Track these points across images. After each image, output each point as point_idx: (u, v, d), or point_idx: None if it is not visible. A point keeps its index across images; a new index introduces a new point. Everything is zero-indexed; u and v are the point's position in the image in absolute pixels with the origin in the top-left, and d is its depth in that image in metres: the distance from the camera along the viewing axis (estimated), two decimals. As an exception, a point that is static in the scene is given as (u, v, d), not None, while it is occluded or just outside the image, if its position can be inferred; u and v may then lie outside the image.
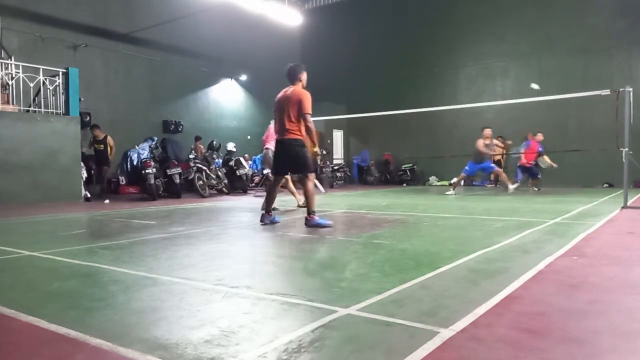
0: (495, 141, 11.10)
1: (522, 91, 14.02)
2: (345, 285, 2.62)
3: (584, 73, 13.60)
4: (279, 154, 5.32)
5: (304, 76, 5.30)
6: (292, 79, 5.26)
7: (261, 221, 5.37)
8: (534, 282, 2.63)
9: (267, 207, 5.42)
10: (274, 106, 5.38)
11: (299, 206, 7.18)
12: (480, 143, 10.71)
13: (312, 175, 5.27)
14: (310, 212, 5.10)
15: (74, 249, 3.90)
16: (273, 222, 5.37)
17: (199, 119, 14.94)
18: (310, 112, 5.11)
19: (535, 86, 12.15)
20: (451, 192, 10.80)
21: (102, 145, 10.57)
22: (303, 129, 5.16)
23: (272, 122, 5.80)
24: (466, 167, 11.04)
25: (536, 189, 11.69)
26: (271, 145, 6.31)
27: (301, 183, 5.38)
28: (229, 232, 4.96)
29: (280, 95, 5.31)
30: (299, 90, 5.19)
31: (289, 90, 5.24)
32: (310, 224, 5.03)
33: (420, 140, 16.33)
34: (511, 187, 10.97)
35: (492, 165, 11.32)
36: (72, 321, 2.00)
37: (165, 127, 13.71)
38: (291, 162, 5.27)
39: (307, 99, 5.10)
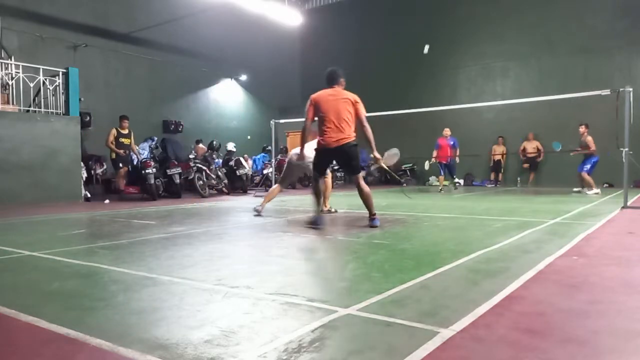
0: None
1: (522, 91, 14.02)
2: (345, 285, 2.62)
3: (584, 73, 13.58)
4: (333, 156, 5.18)
5: (344, 81, 5.24)
6: (333, 81, 5.17)
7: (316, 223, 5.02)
8: (534, 282, 2.63)
9: (318, 208, 5.23)
10: (319, 107, 5.09)
11: (326, 211, 6.39)
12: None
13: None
14: (373, 213, 5.06)
15: (74, 249, 3.90)
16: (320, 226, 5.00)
17: (199, 119, 14.93)
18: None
19: (426, 49, 12.97)
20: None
21: (129, 140, 10.17)
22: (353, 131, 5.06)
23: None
24: None
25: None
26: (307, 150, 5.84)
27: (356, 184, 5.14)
28: (229, 232, 4.96)
29: (326, 96, 5.11)
30: (348, 93, 5.13)
31: (336, 92, 5.12)
32: (375, 224, 4.98)
33: (420, 140, 16.30)
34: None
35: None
36: (72, 321, 2.00)
37: (165, 127, 13.71)
38: (345, 162, 5.22)
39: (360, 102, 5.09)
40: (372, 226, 4.95)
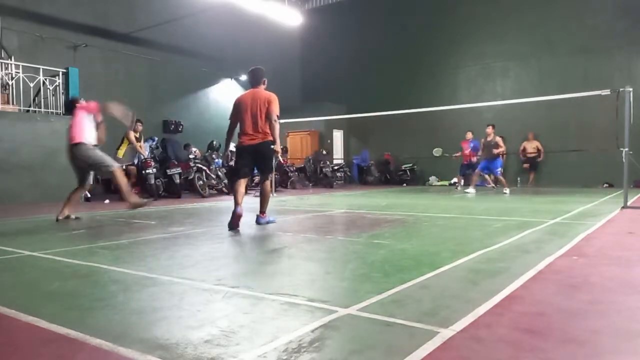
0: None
1: (522, 91, 14.03)
2: (345, 285, 2.62)
3: (584, 73, 13.59)
4: (249, 155, 5.26)
5: (266, 80, 5.41)
6: (256, 82, 5.34)
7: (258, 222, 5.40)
8: (534, 282, 2.63)
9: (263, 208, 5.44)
10: (236, 108, 5.33)
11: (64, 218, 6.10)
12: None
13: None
14: (262, 211, 5.36)
15: (74, 249, 3.90)
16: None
17: (199, 119, 14.93)
18: (278, 114, 5.23)
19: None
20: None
21: (140, 143, 10.29)
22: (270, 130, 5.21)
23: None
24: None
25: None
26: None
27: (264, 183, 5.41)
28: (228, 232, 4.96)
29: (244, 96, 5.33)
30: (267, 93, 5.27)
31: (255, 92, 5.27)
32: (262, 221, 5.32)
33: (420, 140, 16.32)
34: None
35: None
36: (72, 321, 2.01)
37: (165, 127, 13.70)
38: (262, 163, 5.37)
39: (276, 101, 5.22)
40: (258, 223, 5.31)
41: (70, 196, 6.10)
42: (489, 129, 11.09)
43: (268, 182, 5.41)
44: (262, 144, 5.14)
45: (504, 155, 14.71)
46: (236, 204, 5.04)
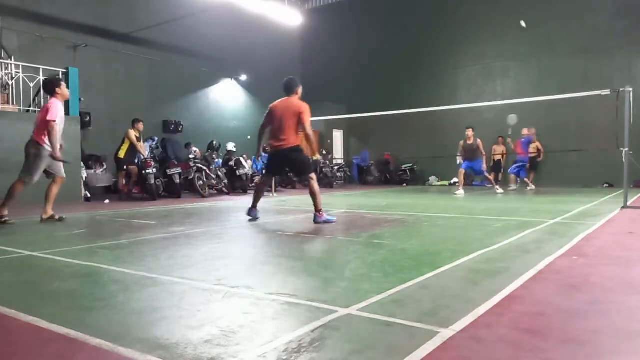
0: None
1: (522, 91, 14.02)
2: (345, 285, 2.62)
3: (584, 73, 13.59)
4: (277, 158, 5.64)
5: (300, 89, 5.63)
6: (289, 91, 5.57)
7: (249, 214, 5.80)
8: (534, 282, 2.63)
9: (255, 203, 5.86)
10: (269, 114, 5.62)
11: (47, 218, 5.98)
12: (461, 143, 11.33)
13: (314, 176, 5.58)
14: (318, 210, 5.39)
15: (74, 249, 3.90)
16: (256, 218, 5.79)
17: (199, 119, 14.93)
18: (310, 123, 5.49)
19: (523, 24, 13.01)
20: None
21: (140, 142, 10.26)
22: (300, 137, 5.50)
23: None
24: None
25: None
26: None
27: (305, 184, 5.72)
28: (229, 232, 4.96)
29: (278, 104, 5.59)
30: (299, 103, 5.50)
31: (288, 101, 5.53)
32: (319, 220, 5.34)
33: (420, 140, 16.31)
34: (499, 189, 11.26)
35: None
36: (72, 321, 2.00)
37: (165, 127, 13.70)
38: (293, 167, 5.78)
39: (308, 111, 5.45)
40: (315, 222, 5.37)
41: (47, 193, 5.96)
42: (469, 132, 11.10)
43: (313, 182, 5.43)
44: (289, 149, 5.41)
45: (505, 156, 14.75)
46: (252, 205, 5.80)
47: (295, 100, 5.51)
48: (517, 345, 1.72)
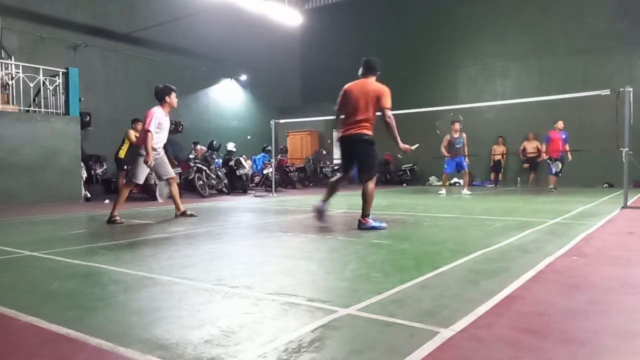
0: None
1: (522, 91, 14.02)
2: (345, 285, 2.62)
3: (584, 73, 13.59)
4: (345, 147, 4.94)
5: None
6: (368, 72, 4.88)
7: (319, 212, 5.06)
8: (534, 282, 2.63)
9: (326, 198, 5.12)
10: (343, 97, 4.88)
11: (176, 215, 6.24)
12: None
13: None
14: (363, 215, 4.80)
15: (74, 249, 3.90)
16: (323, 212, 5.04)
17: (199, 119, 14.93)
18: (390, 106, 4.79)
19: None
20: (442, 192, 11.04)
21: None
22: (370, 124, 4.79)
23: None
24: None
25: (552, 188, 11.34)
26: None
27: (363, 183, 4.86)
28: (229, 232, 4.96)
29: (353, 86, 4.87)
30: (378, 84, 4.84)
31: (365, 82, 4.84)
32: (363, 226, 4.74)
33: (420, 141, 16.27)
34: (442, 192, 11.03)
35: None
36: (72, 321, 2.00)
37: (165, 127, 13.70)
38: (357, 158, 4.91)
39: (388, 94, 4.79)
40: (359, 228, 4.77)
41: (171, 195, 6.27)
42: (456, 125, 10.91)
43: (369, 183, 4.77)
44: (356, 135, 4.71)
45: (504, 156, 14.75)
46: (323, 198, 5.00)
47: (374, 82, 4.82)
48: (517, 345, 1.72)
